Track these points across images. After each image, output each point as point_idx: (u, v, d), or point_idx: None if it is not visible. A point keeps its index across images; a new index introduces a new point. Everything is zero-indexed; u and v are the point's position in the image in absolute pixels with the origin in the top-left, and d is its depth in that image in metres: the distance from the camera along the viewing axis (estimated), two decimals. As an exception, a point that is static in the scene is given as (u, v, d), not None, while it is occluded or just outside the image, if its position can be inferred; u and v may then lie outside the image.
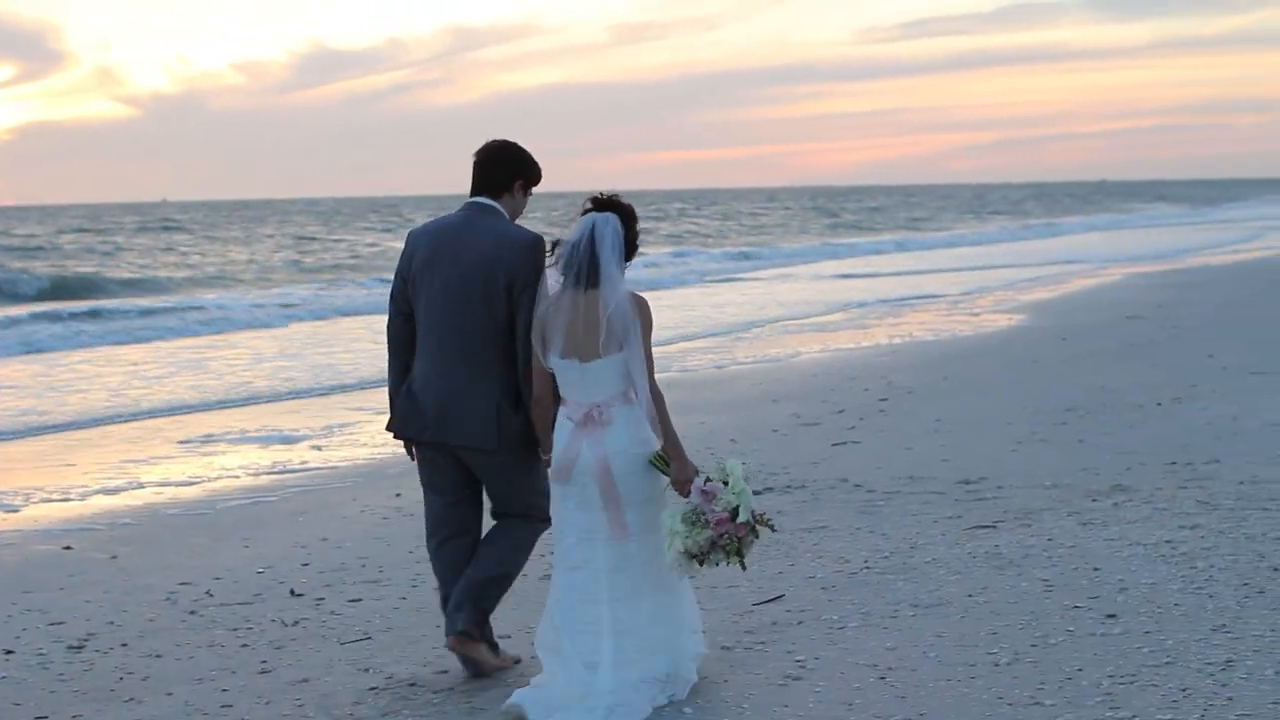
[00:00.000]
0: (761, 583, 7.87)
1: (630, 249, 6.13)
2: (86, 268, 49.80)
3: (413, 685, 6.58)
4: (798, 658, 6.63)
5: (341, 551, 9.31)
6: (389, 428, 6.63)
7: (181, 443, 13.99)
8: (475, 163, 6.52)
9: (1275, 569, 7.64)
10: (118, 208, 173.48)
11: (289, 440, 13.92)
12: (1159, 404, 13.40)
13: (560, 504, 6.18)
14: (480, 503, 6.65)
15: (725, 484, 5.98)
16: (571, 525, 6.13)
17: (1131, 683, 6.08)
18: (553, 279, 6.14)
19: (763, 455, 11.63)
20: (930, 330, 22.45)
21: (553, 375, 6.14)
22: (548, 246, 6.20)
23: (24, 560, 9.48)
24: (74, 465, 12.96)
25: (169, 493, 11.61)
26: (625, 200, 6.19)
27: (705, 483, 5.98)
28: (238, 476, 12.20)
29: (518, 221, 6.57)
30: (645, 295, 6.17)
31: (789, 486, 10.45)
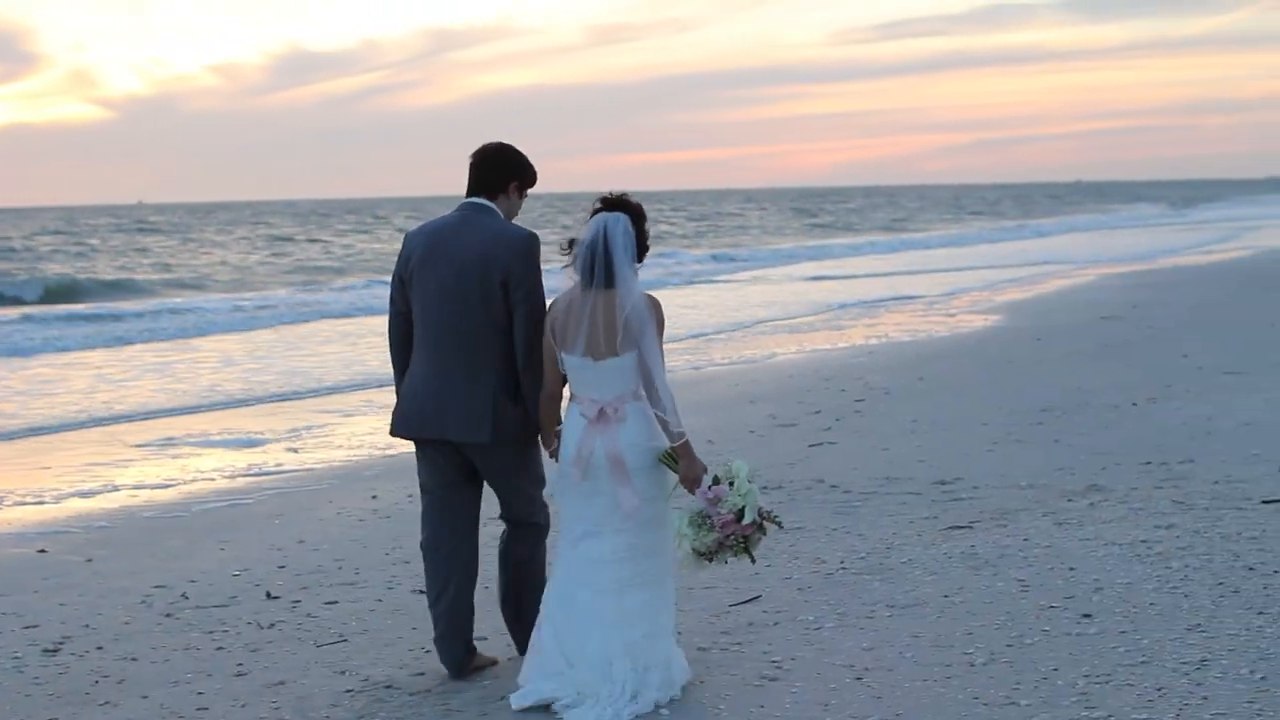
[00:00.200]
0: (738, 584, 7.88)
1: (641, 249, 6.19)
2: (62, 270, 49.67)
3: (389, 687, 6.57)
4: (774, 658, 6.64)
5: (318, 554, 9.29)
6: (392, 431, 6.63)
7: (153, 445, 13.93)
8: (471, 165, 6.58)
9: (1250, 568, 7.67)
10: (93, 210, 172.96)
11: (261, 443, 13.88)
12: (1134, 404, 13.44)
13: (570, 496, 6.24)
14: (477, 506, 6.68)
15: (731, 484, 6.03)
16: (579, 519, 6.21)
17: (1107, 682, 6.10)
18: (569, 277, 6.19)
19: (739, 456, 11.59)
20: (906, 331, 22.48)
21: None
22: (564, 245, 6.24)
23: (-2, 563, 9.44)
24: (49, 468, 12.90)
25: (144, 495, 11.57)
26: (635, 200, 6.27)
27: (710, 487, 6.06)
28: (213, 479, 12.17)
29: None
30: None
31: (765, 487, 10.40)
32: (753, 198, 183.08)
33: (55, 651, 7.36)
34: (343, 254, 62.23)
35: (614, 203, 6.21)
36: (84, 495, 11.61)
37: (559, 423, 6.36)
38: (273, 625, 7.68)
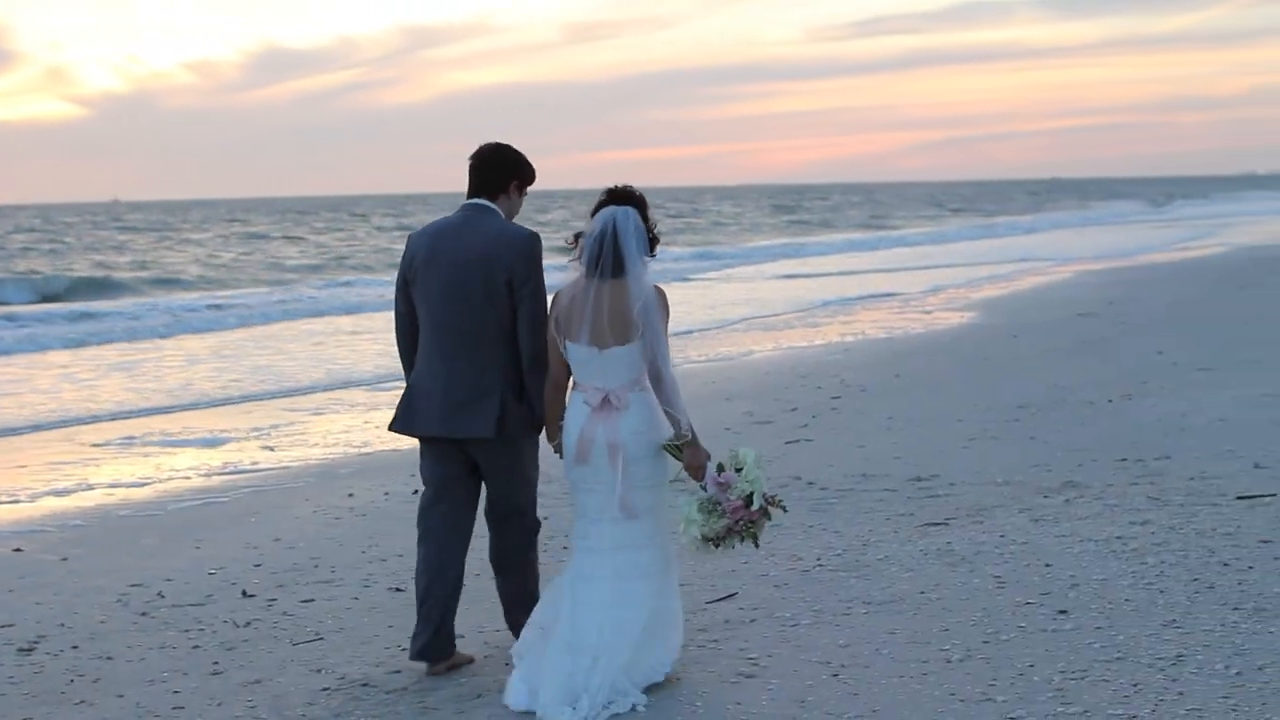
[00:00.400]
0: (714, 580, 7.89)
1: (652, 241, 6.23)
2: (39, 267, 49.47)
3: (365, 685, 6.56)
4: (750, 655, 6.65)
5: (294, 552, 9.27)
6: (392, 426, 6.64)
7: (127, 444, 13.88)
8: (471, 166, 6.62)
9: (1225, 564, 7.70)
10: (69, 208, 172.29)
11: (236, 441, 13.85)
12: (1110, 401, 13.48)
13: (574, 487, 6.30)
14: (475, 501, 6.71)
15: (739, 471, 6.10)
16: (584, 508, 6.25)
17: (1083, 678, 6.12)
18: (574, 269, 6.23)
19: (715, 454, 11.59)
20: (882, 328, 22.51)
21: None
22: (570, 239, 6.29)
23: (-28, 563, 9.39)
24: (24, 467, 12.85)
25: (120, 494, 11.53)
26: (639, 191, 6.29)
27: (720, 472, 6.11)
28: (189, 478, 12.13)
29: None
30: None
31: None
32: (729, 195, 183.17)
33: (30, 651, 7.33)
34: (317, 252, 62.07)
35: (622, 195, 6.24)
36: (59, 494, 11.57)
37: (563, 416, 6.38)
38: (249, 624, 7.66)
